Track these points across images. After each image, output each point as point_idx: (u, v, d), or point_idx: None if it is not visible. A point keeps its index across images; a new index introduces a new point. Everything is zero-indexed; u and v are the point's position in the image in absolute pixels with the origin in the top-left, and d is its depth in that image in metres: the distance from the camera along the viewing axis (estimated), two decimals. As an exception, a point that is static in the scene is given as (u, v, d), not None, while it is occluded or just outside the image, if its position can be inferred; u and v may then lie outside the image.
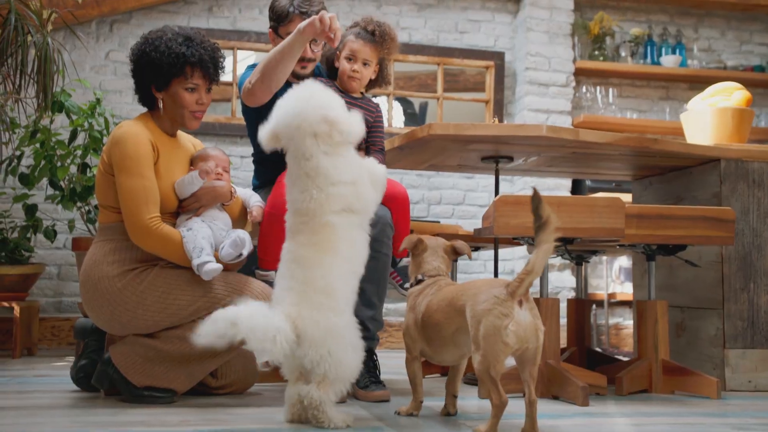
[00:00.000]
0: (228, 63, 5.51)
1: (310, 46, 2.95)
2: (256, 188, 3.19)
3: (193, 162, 2.79)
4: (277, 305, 2.19)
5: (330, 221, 2.22)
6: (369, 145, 2.99)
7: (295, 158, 2.27)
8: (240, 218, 2.84)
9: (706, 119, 3.65)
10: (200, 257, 2.54)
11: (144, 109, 2.81)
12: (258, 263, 2.83)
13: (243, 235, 2.65)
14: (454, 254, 2.49)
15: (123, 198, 2.57)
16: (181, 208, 2.71)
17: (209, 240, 2.60)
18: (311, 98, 2.27)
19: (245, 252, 2.64)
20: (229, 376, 2.79)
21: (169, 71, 2.65)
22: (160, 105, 2.73)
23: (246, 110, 3.07)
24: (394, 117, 5.83)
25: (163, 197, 2.63)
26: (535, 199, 2.05)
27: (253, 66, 3.05)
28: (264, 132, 2.31)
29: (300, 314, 2.16)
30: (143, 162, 2.58)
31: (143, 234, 2.55)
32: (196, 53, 2.66)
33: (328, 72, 3.02)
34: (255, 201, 2.84)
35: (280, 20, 2.93)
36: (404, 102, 6.19)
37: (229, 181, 2.78)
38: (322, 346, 2.15)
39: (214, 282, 2.61)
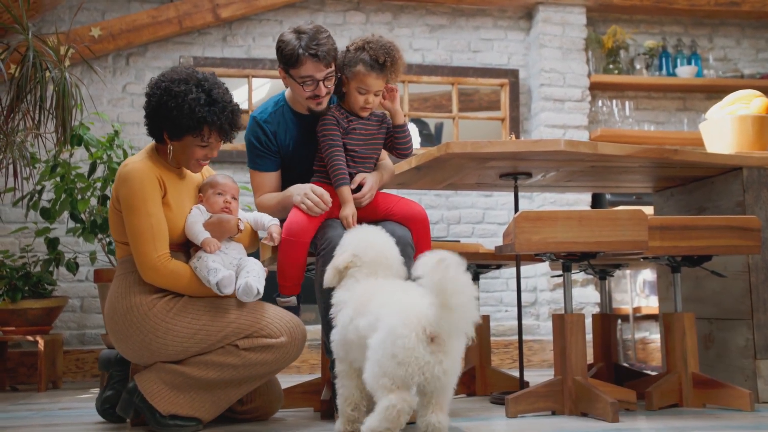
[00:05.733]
0: (244, 91, 5.54)
1: (324, 83, 2.81)
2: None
3: (202, 190, 2.79)
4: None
5: None
6: (398, 151, 2.97)
7: None
8: (251, 245, 2.83)
9: (725, 128, 3.62)
10: (216, 276, 2.54)
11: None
12: (278, 290, 2.81)
13: (253, 278, 2.62)
14: None
15: (130, 237, 2.59)
16: (193, 248, 2.71)
17: (221, 263, 2.60)
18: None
19: (260, 288, 2.62)
20: (255, 400, 2.78)
21: (187, 129, 2.64)
22: (169, 148, 2.70)
23: None
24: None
25: (173, 229, 2.64)
26: None
27: (253, 120, 2.93)
28: None
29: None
30: (149, 199, 2.58)
31: (152, 272, 2.57)
32: (218, 119, 2.65)
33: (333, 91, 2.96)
34: (269, 221, 2.80)
35: (290, 64, 2.80)
36: (420, 123, 6.19)
37: (236, 210, 2.77)
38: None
39: (240, 310, 2.62)
